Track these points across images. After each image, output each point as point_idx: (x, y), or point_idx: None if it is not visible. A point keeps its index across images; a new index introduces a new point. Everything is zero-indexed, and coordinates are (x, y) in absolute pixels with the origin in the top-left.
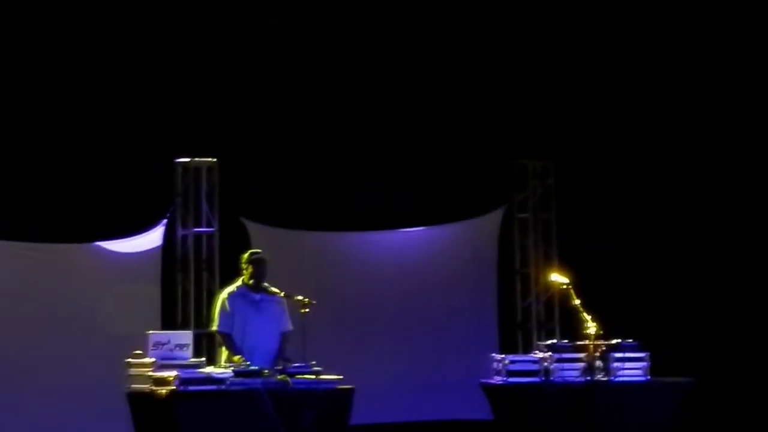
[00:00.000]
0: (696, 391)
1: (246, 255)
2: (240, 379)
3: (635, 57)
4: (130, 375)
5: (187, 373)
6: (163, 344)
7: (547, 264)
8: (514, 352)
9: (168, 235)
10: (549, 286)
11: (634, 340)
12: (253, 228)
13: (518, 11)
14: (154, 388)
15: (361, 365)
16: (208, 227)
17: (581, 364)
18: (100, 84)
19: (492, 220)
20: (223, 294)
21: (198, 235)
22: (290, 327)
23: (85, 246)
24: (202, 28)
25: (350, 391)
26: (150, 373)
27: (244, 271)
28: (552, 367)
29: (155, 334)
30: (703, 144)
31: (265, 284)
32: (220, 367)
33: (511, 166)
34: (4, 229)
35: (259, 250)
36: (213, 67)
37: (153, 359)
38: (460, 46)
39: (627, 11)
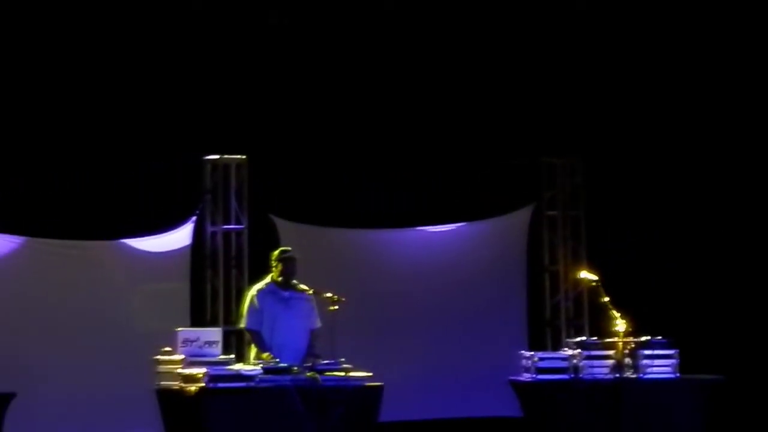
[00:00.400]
0: (725, 389)
1: (276, 252)
2: (269, 376)
3: (665, 56)
4: (160, 372)
5: (217, 370)
6: (193, 341)
7: (576, 261)
8: (543, 349)
9: (197, 233)
10: (578, 283)
11: (663, 337)
12: (282, 225)
13: (548, 5)
14: (183, 385)
15: (390, 362)
16: (237, 224)
17: (610, 361)
18: (132, 81)
19: (521, 218)
20: (252, 291)
21: (227, 233)
22: (319, 324)
23: (114, 243)
24: (233, 25)
25: (379, 388)
26: (179, 370)
27: (274, 269)
28: (581, 364)
29: (184, 331)
30: (734, 139)
31: (294, 281)
32: (249, 364)
33: (540, 163)
34: (34, 227)
35: (289, 248)
36: (243, 64)
37: (182, 356)
38: (487, 43)
39: (657, 6)
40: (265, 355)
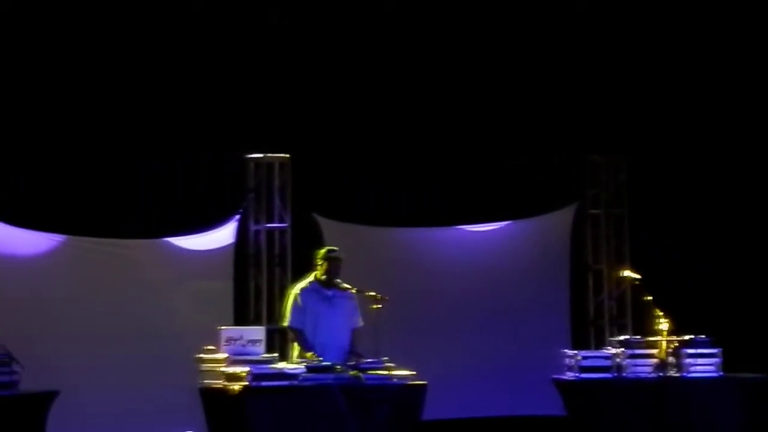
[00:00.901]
0: None
1: (322, 251)
2: (312, 375)
3: (712, 55)
4: (203, 371)
5: (260, 368)
6: (236, 340)
7: (620, 260)
8: (587, 348)
9: (240, 231)
10: (621, 282)
11: (706, 336)
12: (325, 224)
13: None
14: (226, 383)
15: (433, 361)
16: (280, 223)
17: (653, 360)
18: (179, 79)
19: (564, 217)
20: (295, 289)
21: (270, 231)
22: (361, 323)
23: (158, 242)
24: (273, 24)
25: (423, 387)
26: (222, 369)
27: (318, 267)
28: (624, 362)
29: (228, 330)
30: None
31: (338, 280)
32: (292, 362)
33: (583, 162)
34: (77, 225)
35: (335, 248)
36: (287, 63)
37: (225, 355)
38: (532, 40)
39: (705, 7)
40: (308, 354)
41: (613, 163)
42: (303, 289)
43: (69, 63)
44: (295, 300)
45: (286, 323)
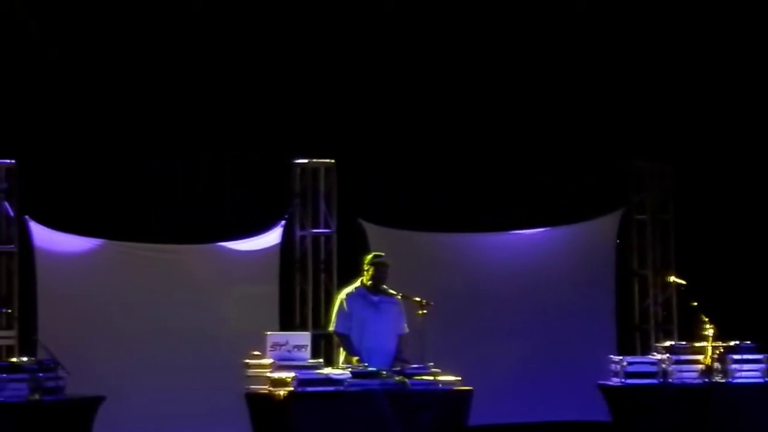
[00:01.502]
0: None
1: (369, 257)
2: (358, 381)
3: (757, 63)
4: (249, 376)
5: (305, 374)
6: (282, 345)
7: (665, 265)
8: (632, 353)
9: (286, 236)
10: (667, 288)
11: (752, 342)
12: (371, 229)
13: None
14: (272, 388)
15: (479, 366)
16: (326, 228)
17: (699, 366)
18: (223, 85)
19: (610, 222)
20: (342, 295)
21: (316, 236)
22: (407, 329)
23: (204, 247)
24: (321, 29)
25: (468, 393)
26: (268, 374)
27: (365, 272)
28: (670, 368)
29: (273, 335)
30: None
31: (384, 286)
32: (338, 368)
33: (630, 167)
34: (126, 230)
35: (382, 254)
36: (332, 68)
37: (271, 360)
38: (581, 46)
39: (754, 14)
40: (354, 359)
41: (660, 168)
42: (349, 295)
43: (119, 65)
44: (341, 305)
45: (332, 328)
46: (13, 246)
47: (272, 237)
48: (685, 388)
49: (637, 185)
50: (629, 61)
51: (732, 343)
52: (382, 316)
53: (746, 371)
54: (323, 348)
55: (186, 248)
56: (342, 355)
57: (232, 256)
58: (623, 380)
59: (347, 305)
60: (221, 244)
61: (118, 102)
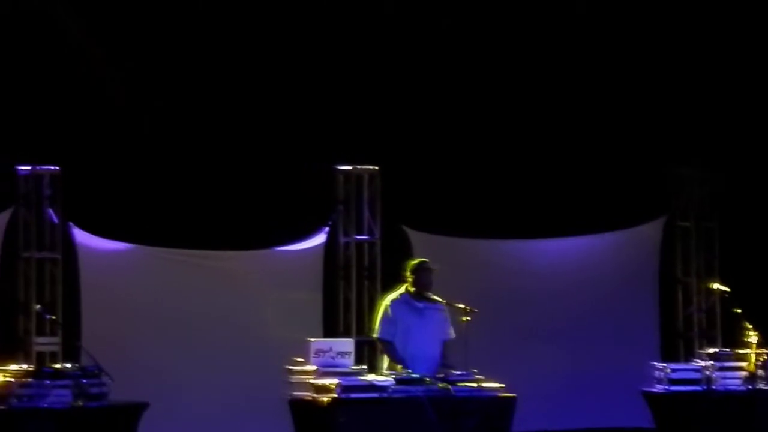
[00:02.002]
0: None
1: (413, 263)
2: (402, 387)
3: None
4: (292, 382)
5: (349, 380)
6: (325, 352)
7: (709, 272)
8: (676, 360)
9: (330, 243)
10: (711, 295)
11: None
12: (415, 236)
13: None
14: (315, 395)
15: (522, 373)
16: (369, 235)
17: (743, 373)
18: (267, 92)
19: (653, 229)
20: (386, 301)
21: (360, 243)
22: (452, 335)
23: (248, 253)
24: (365, 37)
25: (512, 399)
26: (312, 381)
27: (409, 279)
28: (714, 375)
29: (317, 342)
30: None
31: (428, 292)
32: (381, 374)
33: (673, 174)
34: (170, 237)
35: (426, 260)
36: (376, 75)
37: (315, 367)
38: (626, 55)
39: None
40: (398, 366)
41: (704, 175)
42: (393, 301)
43: (162, 70)
44: (385, 311)
45: (376, 335)
46: (57, 253)
47: (316, 244)
48: (729, 395)
49: (681, 192)
50: (674, 67)
51: None
52: (427, 323)
53: None
54: (367, 355)
55: (230, 254)
56: (386, 361)
57: (275, 263)
58: (667, 387)
59: (392, 312)
60: (265, 250)
61: (162, 108)
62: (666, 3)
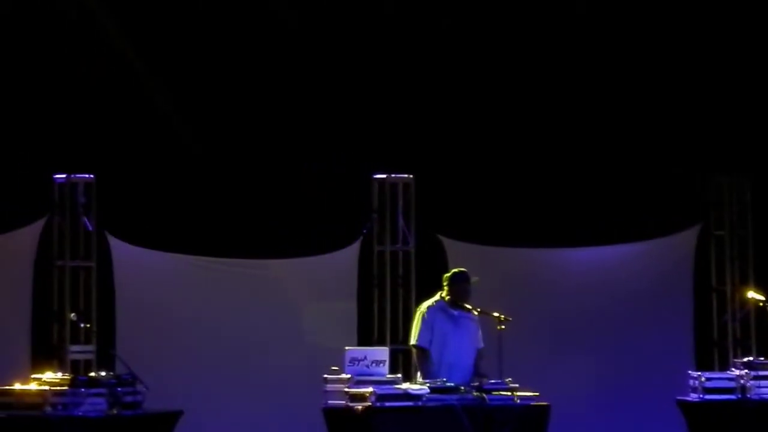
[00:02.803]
0: None
1: (452, 272)
2: (436, 395)
3: None
4: (327, 391)
5: (384, 389)
6: (360, 360)
7: (744, 281)
8: (710, 369)
9: (365, 252)
10: (746, 303)
11: None
12: (450, 245)
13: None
14: (350, 403)
15: (556, 381)
16: (404, 244)
17: None
18: (302, 101)
19: (688, 237)
20: (423, 307)
21: (394, 252)
22: (483, 344)
23: (282, 262)
24: (398, 44)
25: (546, 408)
26: (346, 389)
27: (446, 287)
28: (748, 384)
29: (352, 350)
30: None
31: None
32: (416, 383)
33: (708, 182)
34: (205, 246)
35: (465, 270)
36: (412, 84)
37: (350, 375)
38: (655, 64)
39: None
40: (431, 374)
41: (738, 183)
42: (430, 308)
43: (196, 79)
44: (422, 318)
45: (413, 341)
46: (91, 261)
47: (351, 253)
48: (764, 404)
49: (716, 200)
50: (712, 75)
51: None
52: (462, 331)
53: None
54: (401, 363)
55: (264, 263)
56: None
57: (310, 272)
58: (701, 396)
59: (429, 317)
60: (300, 259)
61: (199, 116)
62: (707, 8)
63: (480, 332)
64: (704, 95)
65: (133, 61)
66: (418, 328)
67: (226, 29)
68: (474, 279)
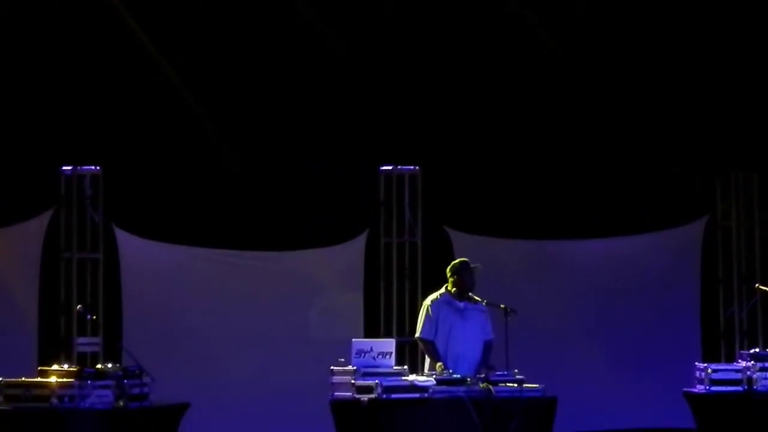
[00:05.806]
0: None
1: (455, 263)
2: (443, 387)
3: None
4: (334, 383)
5: (390, 381)
6: (366, 352)
7: (750, 273)
8: (717, 361)
9: (371, 244)
10: (752, 295)
11: None
12: (456, 236)
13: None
14: (356, 396)
15: (563, 373)
16: (411, 236)
17: None
18: (308, 93)
19: (695, 229)
20: (427, 301)
21: (401, 244)
22: (492, 336)
23: (289, 254)
24: (407, 38)
25: (553, 400)
26: (353, 381)
27: (451, 279)
28: (755, 376)
29: (358, 342)
30: None
31: (470, 293)
32: (422, 375)
33: (716, 175)
34: (211, 238)
35: (467, 260)
36: (417, 76)
37: (356, 367)
38: (666, 61)
39: None
40: (438, 366)
41: (745, 176)
42: (434, 301)
43: (206, 74)
44: (426, 311)
45: (418, 335)
46: (98, 253)
47: (357, 245)
48: None
49: (723, 193)
50: (717, 68)
51: None
52: (468, 323)
53: None
54: (408, 355)
55: (271, 255)
56: (427, 361)
57: (316, 264)
58: (708, 387)
59: (433, 311)
60: (306, 251)
61: (205, 108)
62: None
63: (489, 323)
64: (712, 88)
65: (142, 52)
66: (422, 322)
67: (231, 23)
68: (475, 266)
